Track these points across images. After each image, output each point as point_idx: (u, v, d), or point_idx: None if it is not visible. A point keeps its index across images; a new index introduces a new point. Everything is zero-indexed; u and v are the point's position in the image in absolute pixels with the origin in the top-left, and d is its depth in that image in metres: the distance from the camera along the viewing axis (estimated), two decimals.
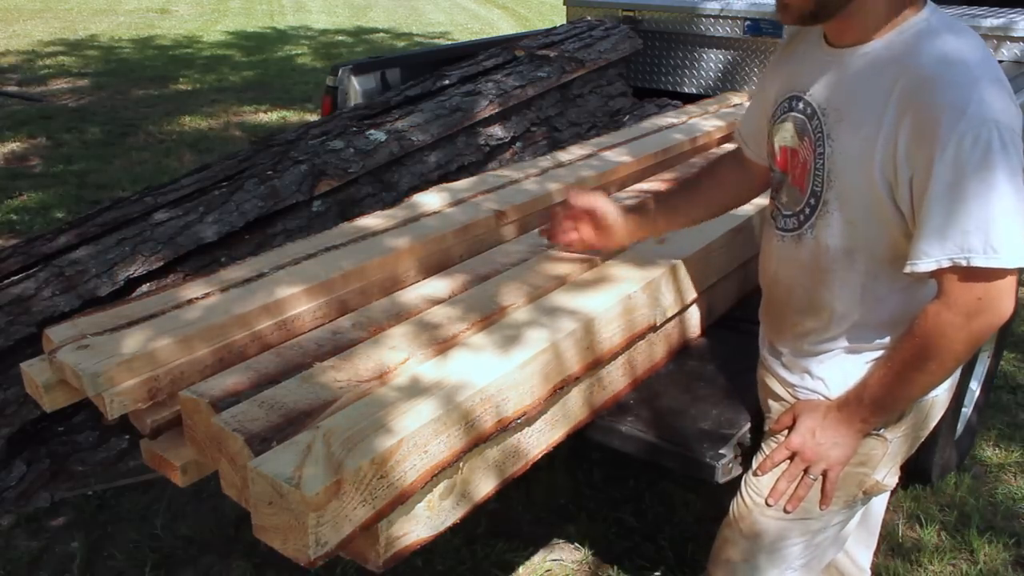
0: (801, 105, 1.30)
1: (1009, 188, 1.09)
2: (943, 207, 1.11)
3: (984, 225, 1.09)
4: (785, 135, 1.35)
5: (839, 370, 1.36)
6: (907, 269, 1.16)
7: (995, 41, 2.70)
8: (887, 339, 1.30)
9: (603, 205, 1.62)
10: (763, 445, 1.47)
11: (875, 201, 1.21)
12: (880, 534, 1.85)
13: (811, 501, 1.38)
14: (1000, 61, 2.70)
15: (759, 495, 1.42)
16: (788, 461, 1.38)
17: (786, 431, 1.40)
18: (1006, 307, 1.15)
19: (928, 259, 1.13)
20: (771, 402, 1.49)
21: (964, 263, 1.11)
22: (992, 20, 2.72)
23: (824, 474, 1.36)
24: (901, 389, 1.26)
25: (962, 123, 1.09)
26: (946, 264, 1.12)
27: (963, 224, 1.10)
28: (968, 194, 1.09)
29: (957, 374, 1.42)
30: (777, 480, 1.39)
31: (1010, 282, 1.13)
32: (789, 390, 1.44)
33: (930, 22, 1.19)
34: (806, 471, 1.36)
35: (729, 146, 2.64)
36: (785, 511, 1.39)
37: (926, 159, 1.12)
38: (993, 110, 1.09)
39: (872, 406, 1.29)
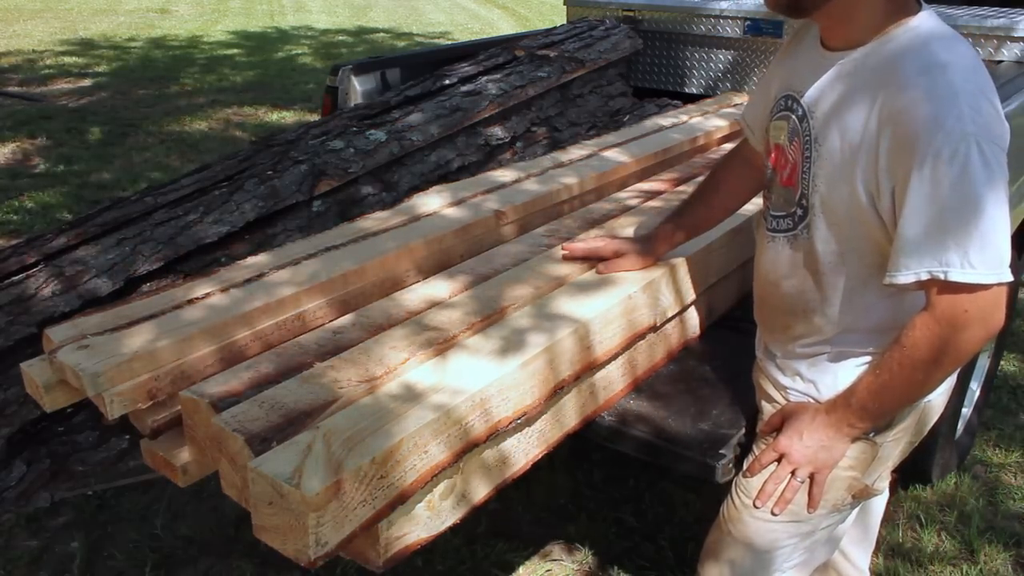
0: (795, 106, 1.31)
1: (988, 203, 1.08)
2: (921, 221, 1.10)
3: (962, 240, 1.09)
4: (779, 133, 1.35)
5: (829, 373, 1.36)
6: (886, 280, 1.16)
7: (996, 41, 2.70)
8: (877, 344, 1.30)
9: (603, 250, 1.65)
10: (753, 447, 1.47)
11: (857, 208, 1.21)
12: (880, 534, 1.85)
13: (799, 504, 1.38)
14: (1000, 62, 2.69)
15: (749, 497, 1.42)
16: (776, 463, 1.38)
17: (775, 433, 1.40)
18: (995, 320, 1.14)
19: (907, 272, 1.13)
20: (764, 403, 1.49)
21: (942, 277, 1.10)
22: (993, 20, 2.72)
23: (811, 477, 1.35)
24: (888, 397, 1.25)
25: (940, 137, 1.08)
26: (925, 277, 1.12)
27: (941, 238, 1.09)
28: (946, 209, 1.09)
29: (953, 378, 1.42)
30: (765, 482, 1.39)
31: (997, 295, 1.12)
32: (781, 392, 1.44)
33: (919, 31, 1.17)
34: (793, 473, 1.36)
35: (730, 147, 2.64)
36: (773, 513, 1.39)
37: (905, 172, 1.11)
38: (973, 124, 1.08)
39: (860, 411, 1.28)
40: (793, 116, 1.30)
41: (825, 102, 1.25)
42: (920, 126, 1.10)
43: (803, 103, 1.28)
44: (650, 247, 1.65)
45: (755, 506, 1.39)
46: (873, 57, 1.19)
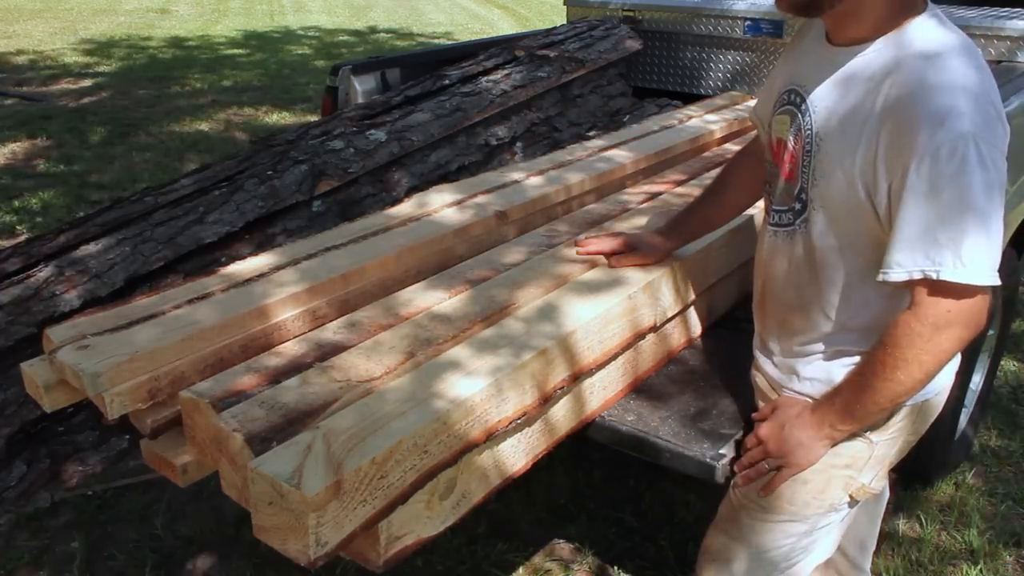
0: (797, 100, 1.31)
1: (983, 204, 1.08)
2: (916, 218, 1.11)
3: (956, 239, 1.09)
4: (781, 127, 1.35)
5: (824, 372, 1.36)
6: (880, 278, 1.16)
7: (996, 41, 2.69)
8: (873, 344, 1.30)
9: (615, 245, 1.66)
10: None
11: (855, 203, 1.21)
12: (880, 534, 1.85)
13: (795, 503, 1.39)
14: (1000, 62, 2.69)
15: (746, 497, 1.43)
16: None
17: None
18: (977, 322, 1.15)
19: (900, 269, 1.13)
20: (761, 403, 1.50)
21: (934, 276, 1.11)
22: (994, 20, 2.72)
23: (778, 469, 1.36)
24: (868, 396, 1.24)
25: (939, 135, 1.08)
26: (917, 276, 1.12)
27: (935, 237, 1.10)
28: (942, 207, 1.09)
29: (952, 376, 1.42)
30: (744, 456, 1.41)
31: (981, 298, 1.13)
32: (778, 391, 1.45)
33: (925, 30, 1.18)
34: (766, 460, 1.38)
35: (735, 146, 2.64)
36: (769, 509, 1.39)
37: (902, 169, 1.11)
38: (973, 124, 1.08)
39: (842, 411, 1.28)
40: (796, 110, 1.31)
41: (828, 97, 1.25)
42: (919, 124, 1.10)
43: (806, 97, 1.28)
44: (662, 242, 1.66)
45: (735, 472, 1.41)
46: (877, 54, 1.19)
